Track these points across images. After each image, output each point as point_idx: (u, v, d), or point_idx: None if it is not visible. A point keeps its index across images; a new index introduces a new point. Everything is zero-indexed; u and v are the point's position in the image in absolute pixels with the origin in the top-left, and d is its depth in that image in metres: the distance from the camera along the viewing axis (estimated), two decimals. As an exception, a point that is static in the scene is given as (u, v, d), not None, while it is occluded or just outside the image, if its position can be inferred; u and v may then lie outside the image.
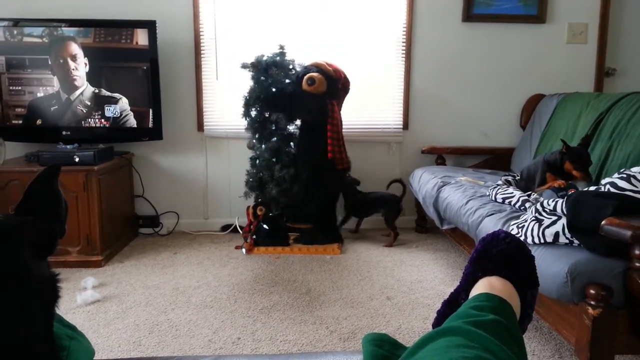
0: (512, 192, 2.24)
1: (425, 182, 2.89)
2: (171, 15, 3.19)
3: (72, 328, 0.84)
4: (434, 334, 0.75)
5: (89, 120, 3.02)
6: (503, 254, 0.95)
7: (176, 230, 3.38)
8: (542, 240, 1.62)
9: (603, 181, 1.63)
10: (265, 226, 3.00)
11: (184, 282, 2.47)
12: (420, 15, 3.30)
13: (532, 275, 0.96)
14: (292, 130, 3.05)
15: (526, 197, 2.14)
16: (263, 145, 2.98)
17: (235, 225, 3.34)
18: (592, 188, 1.68)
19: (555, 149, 2.42)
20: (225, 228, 3.38)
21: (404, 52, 3.33)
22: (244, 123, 3.01)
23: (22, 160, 2.92)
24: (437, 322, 0.97)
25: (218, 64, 3.28)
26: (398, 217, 3.13)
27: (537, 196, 2.12)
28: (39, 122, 3.01)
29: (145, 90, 3.02)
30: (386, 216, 3.10)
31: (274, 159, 2.94)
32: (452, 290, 1.00)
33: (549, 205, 1.75)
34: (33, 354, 0.61)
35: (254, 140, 3.02)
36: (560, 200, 1.69)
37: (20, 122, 3.01)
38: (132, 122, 3.04)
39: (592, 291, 1.40)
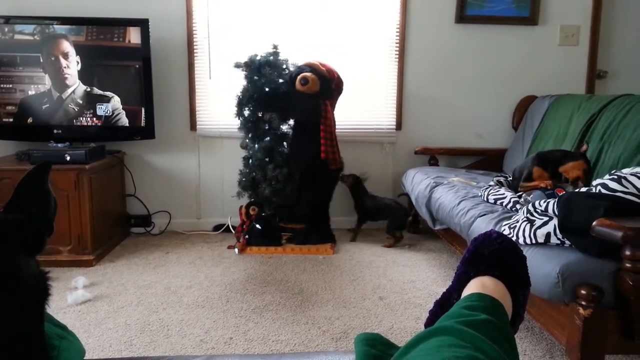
0: (504, 193, 2.25)
1: (418, 182, 2.90)
2: (164, 14, 3.17)
3: (63, 327, 0.84)
4: (426, 333, 0.75)
5: (81, 118, 3.00)
6: (495, 254, 0.95)
7: (168, 230, 3.36)
8: (534, 241, 1.63)
9: (594, 182, 1.64)
10: (258, 226, 2.99)
11: (176, 282, 2.46)
12: (414, 16, 3.31)
13: (524, 276, 0.96)
14: (285, 130, 3.05)
15: (517, 198, 2.15)
16: (256, 145, 2.97)
17: (228, 225, 3.33)
18: (582, 189, 1.68)
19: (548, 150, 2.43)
20: (217, 228, 3.37)
21: (397, 52, 3.34)
22: (237, 122, 3.00)
23: (12, 159, 2.89)
24: (430, 322, 0.97)
25: (211, 63, 3.27)
26: (402, 229, 3.09)
27: (527, 196, 2.13)
28: (30, 120, 2.99)
29: (138, 89, 3.01)
30: (388, 223, 3.05)
31: (267, 159, 2.94)
32: (444, 290, 1.00)
33: (540, 206, 1.76)
34: (30, 353, 0.60)
35: (247, 140, 3.01)
36: (552, 201, 1.70)
37: (11, 120, 2.99)
38: (124, 120, 3.03)
39: (583, 292, 1.41)
